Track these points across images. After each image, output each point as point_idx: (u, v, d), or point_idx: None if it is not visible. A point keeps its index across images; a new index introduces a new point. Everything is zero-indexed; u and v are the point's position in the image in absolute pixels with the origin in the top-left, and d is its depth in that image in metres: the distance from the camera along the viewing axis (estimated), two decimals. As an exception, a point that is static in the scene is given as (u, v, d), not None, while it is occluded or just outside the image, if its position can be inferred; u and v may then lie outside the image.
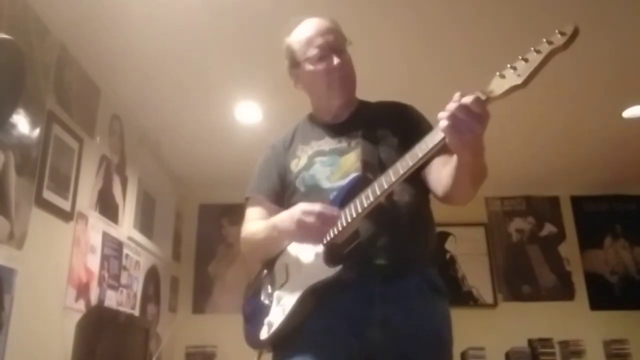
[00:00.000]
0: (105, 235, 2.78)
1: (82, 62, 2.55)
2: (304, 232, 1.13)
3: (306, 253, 1.20)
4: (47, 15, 2.20)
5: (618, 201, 4.53)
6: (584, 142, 3.63)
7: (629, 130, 3.41)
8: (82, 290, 2.48)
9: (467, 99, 0.94)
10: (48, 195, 2.19)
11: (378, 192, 1.08)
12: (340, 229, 1.13)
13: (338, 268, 1.11)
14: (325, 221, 1.12)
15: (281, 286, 1.24)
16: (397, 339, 1.12)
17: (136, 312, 3.20)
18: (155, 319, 3.61)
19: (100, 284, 2.68)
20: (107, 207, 2.84)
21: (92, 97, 2.72)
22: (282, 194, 1.35)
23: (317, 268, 1.15)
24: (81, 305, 2.45)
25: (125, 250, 3.06)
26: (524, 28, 2.22)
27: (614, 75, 2.82)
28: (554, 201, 4.56)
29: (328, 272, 1.12)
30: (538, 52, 0.90)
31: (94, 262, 2.63)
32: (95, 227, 2.66)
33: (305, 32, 1.36)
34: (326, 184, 1.26)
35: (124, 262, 3.03)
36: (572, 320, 4.14)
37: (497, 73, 0.95)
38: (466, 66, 2.61)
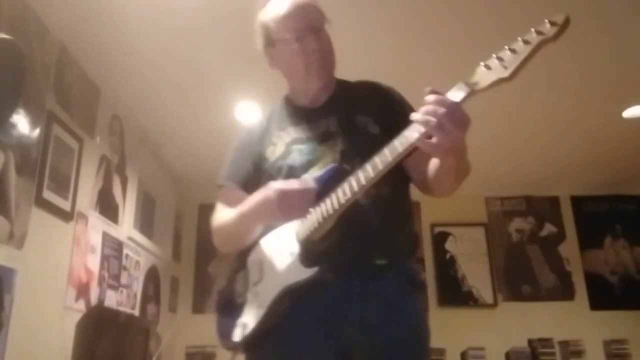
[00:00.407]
0: (105, 235, 2.78)
1: (82, 62, 2.55)
2: (287, 207, 1.08)
3: (281, 250, 1.15)
4: (47, 15, 2.20)
5: (618, 201, 4.53)
6: (584, 142, 3.63)
7: (629, 130, 3.41)
8: (82, 290, 2.48)
9: (446, 106, 0.90)
10: (48, 195, 2.19)
11: (356, 189, 1.03)
12: (316, 225, 1.08)
13: (314, 269, 1.06)
14: (306, 195, 1.08)
15: (255, 284, 1.18)
16: (375, 339, 1.10)
17: (136, 312, 3.20)
18: (155, 319, 3.61)
19: (100, 284, 2.68)
20: (107, 207, 2.84)
21: (92, 97, 2.72)
22: (255, 183, 1.26)
23: (292, 267, 1.10)
24: (81, 305, 2.45)
25: (125, 250, 3.06)
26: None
27: (614, 75, 2.82)
28: (554, 201, 4.56)
29: (304, 272, 1.07)
30: (526, 42, 0.84)
31: (94, 262, 2.63)
32: (95, 227, 2.66)
33: (281, 9, 1.26)
34: (303, 175, 1.19)
35: (124, 262, 3.03)
36: (572, 320, 4.14)
37: (482, 63, 0.89)
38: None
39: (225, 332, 1.20)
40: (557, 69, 2.69)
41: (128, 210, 3.15)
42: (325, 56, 1.27)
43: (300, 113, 1.31)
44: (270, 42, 1.30)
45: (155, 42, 2.46)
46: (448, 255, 4.41)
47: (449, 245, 4.44)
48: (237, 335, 1.16)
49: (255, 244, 1.22)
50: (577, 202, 4.54)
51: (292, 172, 1.21)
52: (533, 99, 3.02)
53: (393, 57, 2.65)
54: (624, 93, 3.03)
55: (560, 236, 4.47)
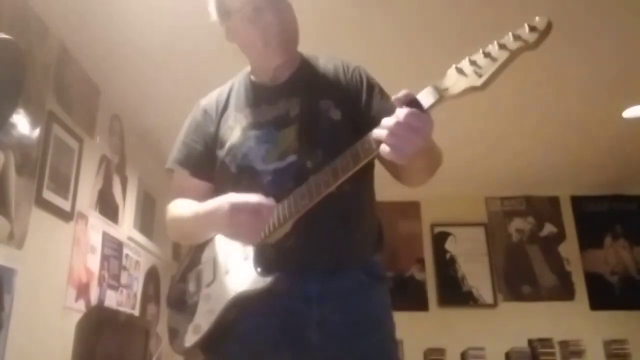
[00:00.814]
0: (105, 235, 2.78)
1: (82, 62, 2.55)
2: (236, 230, 1.00)
3: (235, 251, 1.09)
4: (47, 15, 2.20)
5: (618, 201, 4.53)
6: (584, 142, 3.63)
7: (629, 130, 3.41)
8: (82, 290, 2.48)
9: (404, 115, 0.86)
10: (48, 195, 2.19)
11: (314, 194, 0.99)
12: (272, 229, 1.03)
13: (269, 279, 1.01)
14: (261, 217, 0.99)
15: (208, 285, 1.12)
16: (336, 339, 1.06)
17: (136, 312, 3.20)
18: (155, 319, 3.61)
19: (100, 284, 2.68)
20: (107, 207, 2.84)
21: (92, 97, 2.71)
22: (209, 167, 1.20)
23: (246, 274, 1.05)
24: (81, 305, 2.45)
25: (125, 250, 3.06)
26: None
27: (614, 75, 2.82)
28: (554, 201, 4.56)
29: (258, 282, 1.02)
30: (503, 47, 0.77)
31: (94, 262, 2.63)
32: (95, 227, 2.66)
33: None
34: (261, 166, 1.12)
35: (124, 262, 3.03)
36: (572, 320, 4.14)
37: (454, 66, 0.83)
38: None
39: (176, 335, 1.15)
40: (558, 68, 2.69)
41: (128, 210, 3.15)
42: (285, 30, 1.17)
43: (260, 92, 1.22)
44: (225, 13, 1.22)
45: (155, 42, 2.46)
46: (448, 255, 4.41)
47: (449, 245, 4.44)
48: (188, 340, 1.11)
49: (210, 239, 1.17)
50: (577, 202, 4.54)
51: (248, 163, 1.14)
52: (533, 99, 3.02)
53: (390, 48, 2.60)
54: (624, 93, 3.03)
55: (560, 236, 4.47)
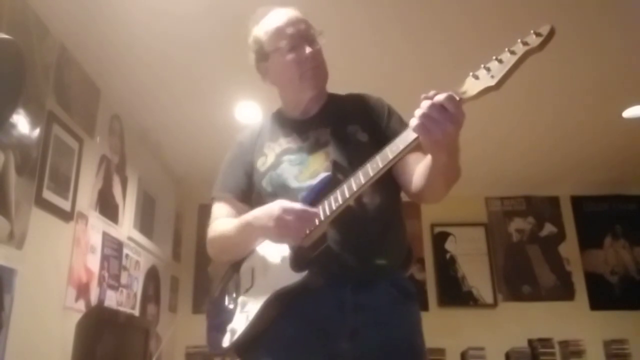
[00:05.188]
0: (105, 235, 2.78)
1: (82, 62, 2.55)
2: (282, 230, 1.06)
3: (272, 257, 1.15)
4: (47, 15, 2.20)
5: (618, 201, 4.53)
6: (584, 142, 3.63)
7: (629, 130, 3.41)
8: (82, 290, 2.48)
9: (440, 97, 0.91)
10: (48, 195, 2.19)
11: (347, 195, 1.04)
12: (308, 232, 1.08)
13: (303, 274, 1.06)
14: (305, 220, 1.06)
15: (246, 291, 1.19)
16: (367, 350, 1.08)
17: (136, 312, 3.20)
18: (155, 319, 3.61)
19: (100, 284, 2.68)
20: (107, 207, 2.84)
21: (92, 97, 2.72)
22: (249, 193, 1.30)
23: (282, 273, 1.10)
24: (81, 305, 2.45)
25: (125, 250, 3.06)
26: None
27: (614, 75, 2.82)
28: (554, 201, 4.56)
29: (293, 277, 1.07)
30: (512, 53, 0.87)
31: (94, 262, 2.63)
32: (95, 227, 2.66)
33: (274, 22, 1.29)
34: (294, 184, 1.20)
35: (124, 262, 3.03)
36: (572, 320, 4.15)
37: (471, 73, 0.92)
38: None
39: (214, 339, 1.22)
40: (558, 69, 2.69)
41: (128, 210, 3.15)
42: (319, 66, 1.29)
43: (292, 124, 1.32)
44: (263, 55, 1.32)
45: (155, 43, 2.46)
46: (448, 255, 4.41)
47: (449, 245, 4.44)
48: (226, 341, 1.17)
49: (248, 254, 1.23)
50: (577, 202, 4.54)
51: (282, 182, 1.22)
52: (533, 100, 3.02)
53: (402, 56, 2.63)
54: (624, 93, 3.03)
55: (560, 236, 4.47)
